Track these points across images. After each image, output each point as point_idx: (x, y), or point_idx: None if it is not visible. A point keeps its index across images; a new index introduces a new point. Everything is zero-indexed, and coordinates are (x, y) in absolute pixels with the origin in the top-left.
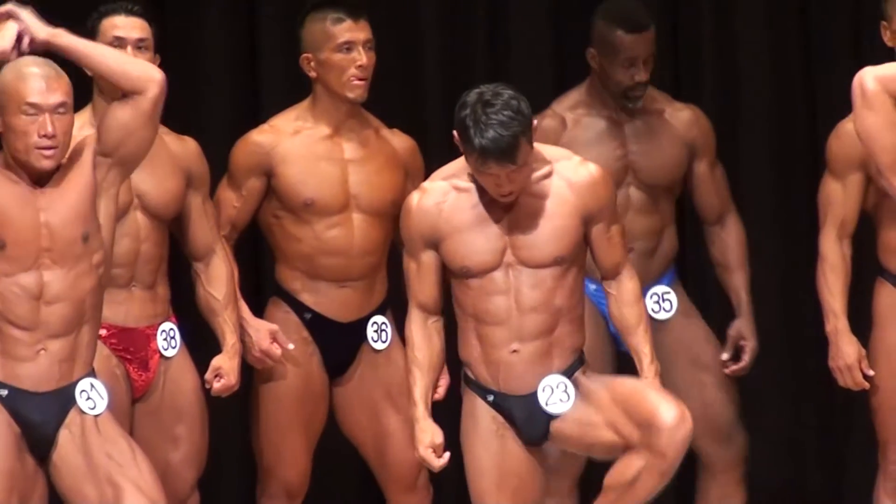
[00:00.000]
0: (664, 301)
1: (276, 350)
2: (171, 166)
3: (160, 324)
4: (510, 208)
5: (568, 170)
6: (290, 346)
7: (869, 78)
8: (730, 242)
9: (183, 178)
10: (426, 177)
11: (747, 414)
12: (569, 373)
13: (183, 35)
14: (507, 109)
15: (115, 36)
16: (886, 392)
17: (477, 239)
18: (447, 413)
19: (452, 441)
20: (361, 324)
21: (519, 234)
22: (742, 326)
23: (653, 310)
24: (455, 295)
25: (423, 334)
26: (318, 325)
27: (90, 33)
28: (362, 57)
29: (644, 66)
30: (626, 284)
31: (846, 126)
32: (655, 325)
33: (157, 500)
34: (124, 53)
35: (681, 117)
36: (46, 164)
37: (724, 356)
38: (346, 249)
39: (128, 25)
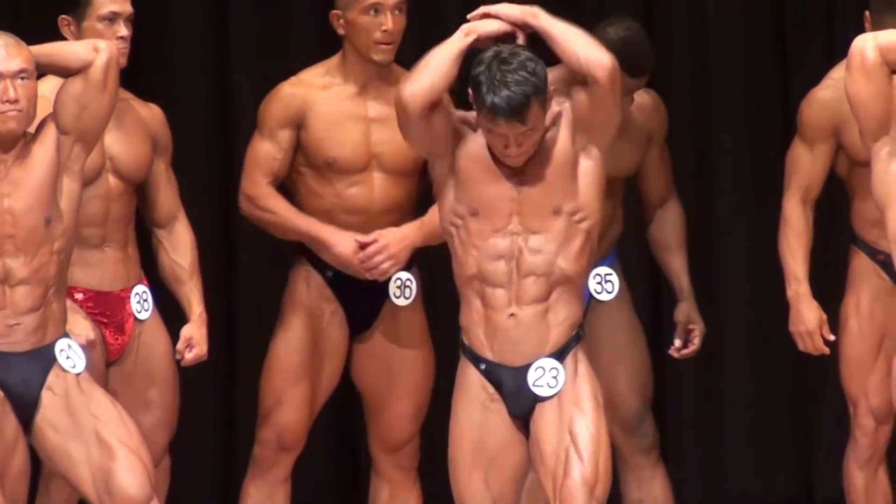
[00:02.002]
0: (606, 282)
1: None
2: (140, 131)
3: (133, 286)
4: (518, 171)
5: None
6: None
7: (870, 46)
8: (671, 222)
9: (151, 143)
10: None
11: (719, 381)
12: (564, 352)
13: (154, 7)
14: (523, 70)
15: (110, 11)
16: (855, 352)
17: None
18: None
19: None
20: (384, 281)
21: (524, 187)
22: (688, 310)
23: (595, 290)
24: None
25: None
26: (340, 283)
27: (81, 6)
28: (388, 21)
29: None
30: None
31: (818, 94)
32: (595, 306)
33: (145, 459)
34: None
35: (643, 106)
36: (12, 126)
37: (676, 342)
38: (366, 207)
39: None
